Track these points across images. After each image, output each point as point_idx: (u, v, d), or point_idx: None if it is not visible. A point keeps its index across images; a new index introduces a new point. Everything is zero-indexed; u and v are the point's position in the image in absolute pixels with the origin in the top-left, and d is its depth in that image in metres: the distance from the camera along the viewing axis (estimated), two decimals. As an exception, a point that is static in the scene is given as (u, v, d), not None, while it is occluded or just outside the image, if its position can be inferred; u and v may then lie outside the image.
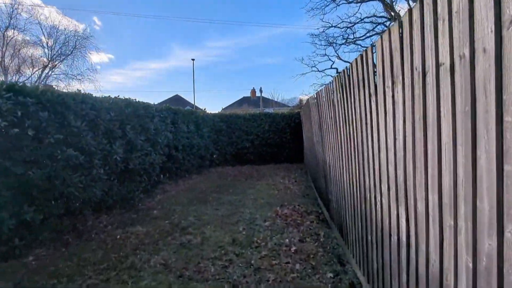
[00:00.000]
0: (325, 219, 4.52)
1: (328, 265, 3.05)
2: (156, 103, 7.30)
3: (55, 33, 21.67)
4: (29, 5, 28.04)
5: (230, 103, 38.04)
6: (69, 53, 21.76)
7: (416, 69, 1.41)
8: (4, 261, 3.23)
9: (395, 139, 1.73)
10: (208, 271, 3.00)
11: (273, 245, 3.57)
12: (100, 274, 3.00)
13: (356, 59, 2.36)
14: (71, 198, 4.10)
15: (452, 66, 1.12)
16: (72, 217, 4.42)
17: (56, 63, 21.69)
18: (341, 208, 3.43)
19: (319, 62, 25.92)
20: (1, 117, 3.17)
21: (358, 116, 2.45)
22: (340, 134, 3.20)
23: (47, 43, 21.31)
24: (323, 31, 17.13)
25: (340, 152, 3.30)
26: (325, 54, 17.90)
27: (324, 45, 17.36)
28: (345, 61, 17.71)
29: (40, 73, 21.09)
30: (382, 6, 15.10)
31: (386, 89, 1.81)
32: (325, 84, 4.05)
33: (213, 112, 11.51)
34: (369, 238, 2.36)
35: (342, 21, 15.93)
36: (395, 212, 1.78)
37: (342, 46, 17.10)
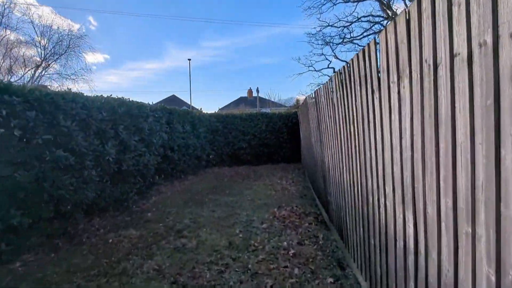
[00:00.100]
0: (323, 221, 4.41)
1: (328, 269, 2.94)
2: (152, 103, 7.15)
3: (49, 32, 21.35)
4: (22, 4, 27.64)
5: (227, 103, 37.87)
6: (63, 52, 21.40)
7: (426, 61, 1.30)
8: (-12, 268, 3.08)
9: (401, 137, 1.62)
10: (203, 277, 2.88)
11: (270, 248, 3.46)
12: (90, 280, 2.86)
13: (357, 54, 2.25)
14: (62, 201, 3.95)
15: (470, 55, 1.00)
16: (63, 220, 4.26)
17: (49, 62, 21.36)
18: (341, 209, 3.32)
19: (316, 61, 25.98)
20: (-15, 116, 3.02)
21: (359, 114, 2.34)
22: (340, 133, 3.09)
23: (39, 41, 20.99)
24: (320, 30, 17.15)
25: (340, 152, 3.19)
26: (322, 53, 17.82)
27: (321, 45, 17.26)
28: (342, 60, 17.66)
29: (33, 72, 20.76)
30: (378, 5, 15.05)
31: (391, 85, 1.70)
32: (323, 83, 3.94)
33: (209, 112, 11.38)
34: (372, 241, 2.25)
35: (339, 20, 15.85)
36: (401, 216, 1.67)
37: (339, 45, 17.03)
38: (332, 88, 3.33)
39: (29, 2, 30.69)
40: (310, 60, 19.66)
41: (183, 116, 8.13)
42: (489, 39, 0.90)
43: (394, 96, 1.66)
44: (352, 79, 2.46)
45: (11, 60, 19.70)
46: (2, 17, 18.82)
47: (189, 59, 33.03)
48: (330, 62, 19.17)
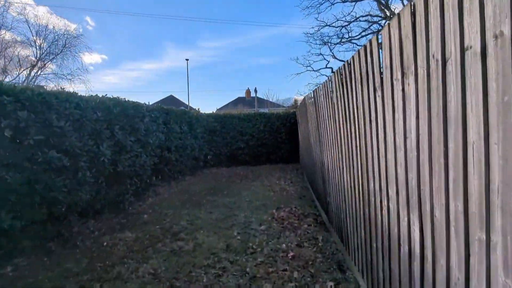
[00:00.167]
0: (323, 222, 4.34)
1: (328, 273, 2.87)
2: (149, 103, 7.05)
3: (44, 32, 21.14)
4: (19, 3, 27.38)
5: (225, 104, 37.76)
6: (59, 52, 21.19)
7: (433, 56, 1.22)
8: (-22, 273, 2.98)
9: (405, 137, 1.54)
10: (200, 281, 2.79)
11: (269, 251, 3.38)
12: (83, 286, 2.77)
13: (358, 50, 2.18)
14: (55, 203, 3.85)
15: (483, 49, 0.93)
16: (56, 223, 4.15)
17: (45, 62, 21.15)
18: (341, 211, 3.25)
19: (314, 61, 25.88)
20: (-27, 116, 2.92)
21: (361, 114, 2.27)
22: (340, 133, 3.02)
23: (35, 41, 20.78)
24: (318, 30, 16.93)
25: (340, 152, 3.12)
26: (320, 53, 17.65)
27: (319, 44, 17.15)
28: (340, 60, 17.56)
29: (28, 72, 20.54)
30: (376, 5, 15.01)
31: (395, 82, 1.63)
32: (321, 83, 3.87)
33: (207, 112, 11.29)
34: (374, 244, 2.17)
35: (337, 20, 15.77)
36: (406, 219, 1.60)
37: (337, 45, 16.92)
38: (331, 86, 3.26)
39: (26, 2, 30.37)
40: (308, 60, 19.53)
41: (180, 116, 8.03)
42: (506, 30, 0.83)
43: (398, 94, 1.59)
44: (353, 77, 2.39)
45: (6, 60, 19.48)
46: (-3, 17, 18.61)
47: (187, 59, 33.05)
48: (328, 62, 19.04)
